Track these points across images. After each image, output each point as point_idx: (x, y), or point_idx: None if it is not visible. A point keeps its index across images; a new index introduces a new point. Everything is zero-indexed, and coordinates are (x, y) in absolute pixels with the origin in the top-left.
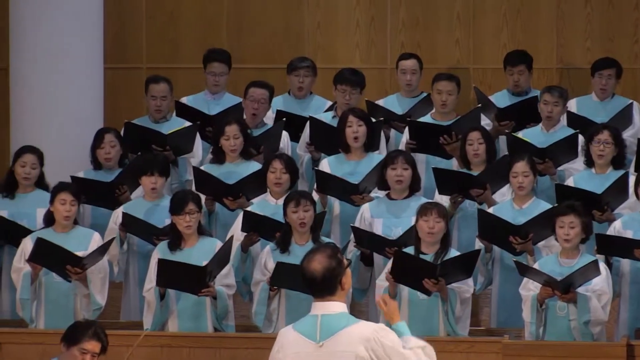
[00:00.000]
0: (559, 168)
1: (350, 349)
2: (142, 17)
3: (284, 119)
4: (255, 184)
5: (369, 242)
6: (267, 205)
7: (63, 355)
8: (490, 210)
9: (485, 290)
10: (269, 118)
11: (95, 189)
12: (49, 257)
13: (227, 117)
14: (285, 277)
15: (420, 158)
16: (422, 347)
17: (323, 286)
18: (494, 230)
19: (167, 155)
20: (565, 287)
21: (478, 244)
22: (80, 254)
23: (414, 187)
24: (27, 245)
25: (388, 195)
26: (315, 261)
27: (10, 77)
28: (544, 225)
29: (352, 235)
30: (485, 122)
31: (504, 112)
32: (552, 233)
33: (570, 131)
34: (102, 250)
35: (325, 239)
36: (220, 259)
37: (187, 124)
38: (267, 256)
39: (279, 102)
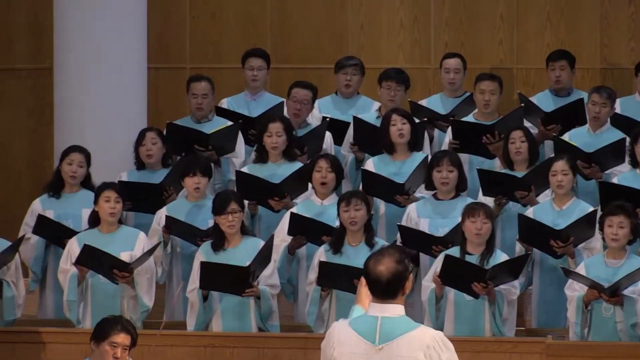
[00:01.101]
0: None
1: (411, 354)
2: (185, 17)
3: (328, 119)
4: (298, 183)
5: (415, 241)
6: (312, 205)
7: (94, 353)
8: (530, 210)
9: (526, 291)
10: (316, 118)
11: (142, 192)
12: (96, 261)
13: (271, 114)
14: (330, 277)
15: (463, 158)
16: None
17: (386, 289)
18: (535, 234)
19: (210, 155)
20: (612, 291)
21: (518, 247)
22: (126, 254)
23: (460, 187)
24: (73, 246)
25: (434, 196)
26: (382, 264)
27: (54, 77)
28: (584, 227)
29: (398, 235)
30: (528, 126)
31: (551, 116)
32: (592, 235)
33: (617, 133)
34: (149, 253)
35: (379, 240)
36: (262, 258)
37: (230, 123)
38: (320, 256)
39: (327, 103)
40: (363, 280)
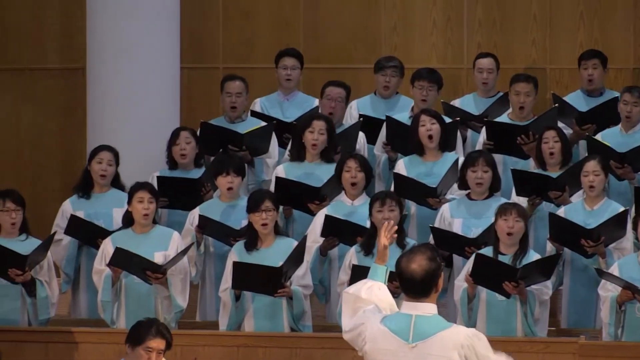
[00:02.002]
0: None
1: (444, 353)
2: (218, 17)
3: (361, 118)
4: (336, 186)
5: (447, 243)
6: (343, 206)
7: (129, 356)
8: (561, 210)
9: (558, 291)
10: (354, 119)
11: (180, 188)
12: (129, 263)
13: (316, 112)
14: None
15: (498, 158)
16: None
17: (421, 288)
18: (566, 233)
19: (244, 155)
20: None
21: (549, 246)
22: (160, 254)
23: (493, 187)
24: (107, 246)
25: (468, 196)
26: (415, 262)
27: (87, 77)
28: (615, 227)
29: (430, 237)
30: (562, 126)
31: (585, 115)
32: (623, 235)
33: None
34: (182, 254)
35: (410, 241)
36: (295, 258)
37: (264, 123)
38: (352, 257)
39: (365, 103)
40: (383, 228)
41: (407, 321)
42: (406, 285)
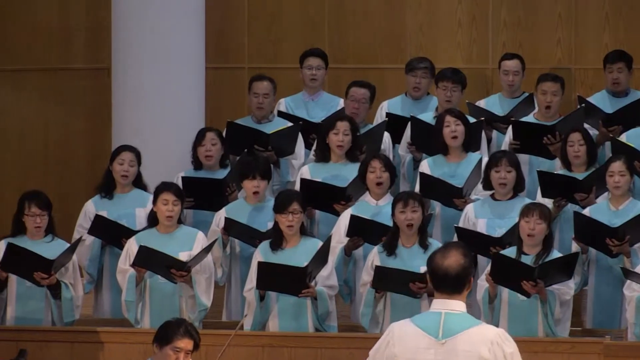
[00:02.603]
0: None
1: (474, 349)
2: (244, 17)
3: (386, 119)
4: (361, 185)
5: (472, 242)
6: (367, 206)
7: (157, 356)
8: (586, 210)
9: (582, 290)
10: (384, 119)
11: (205, 188)
12: (153, 262)
13: (339, 112)
14: (385, 280)
15: (524, 159)
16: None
17: (455, 283)
18: (590, 232)
19: (269, 156)
20: None
21: (574, 246)
22: (185, 254)
23: (518, 188)
24: (131, 246)
25: (492, 196)
26: (450, 257)
27: (112, 78)
28: None
29: (455, 237)
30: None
31: (611, 117)
32: None
33: None
34: (205, 252)
35: (432, 241)
36: (320, 259)
37: (290, 124)
38: (374, 258)
39: (396, 104)
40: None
41: (436, 318)
42: (440, 281)
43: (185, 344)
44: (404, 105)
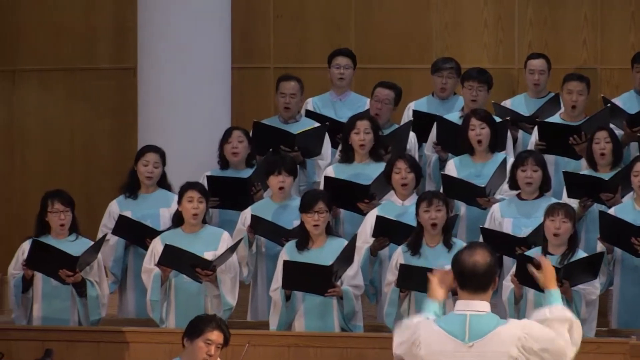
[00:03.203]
0: None
1: (502, 349)
2: (269, 17)
3: (412, 119)
4: (385, 184)
5: (497, 243)
6: (393, 206)
7: (186, 351)
8: (612, 210)
9: (608, 290)
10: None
11: (230, 187)
12: (178, 261)
13: (359, 113)
14: (410, 279)
15: (550, 159)
16: (570, 324)
17: (482, 281)
18: (616, 232)
19: (295, 156)
20: None
21: (599, 246)
22: (210, 254)
23: (544, 187)
24: (156, 246)
25: (518, 196)
26: (478, 255)
27: (138, 77)
28: None
29: (480, 238)
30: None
31: (635, 117)
32: None
33: None
34: (230, 251)
35: (457, 241)
36: (345, 258)
37: (317, 124)
38: (398, 257)
39: (423, 104)
40: (436, 273)
41: (461, 321)
42: (466, 279)
43: (217, 336)
44: (430, 105)
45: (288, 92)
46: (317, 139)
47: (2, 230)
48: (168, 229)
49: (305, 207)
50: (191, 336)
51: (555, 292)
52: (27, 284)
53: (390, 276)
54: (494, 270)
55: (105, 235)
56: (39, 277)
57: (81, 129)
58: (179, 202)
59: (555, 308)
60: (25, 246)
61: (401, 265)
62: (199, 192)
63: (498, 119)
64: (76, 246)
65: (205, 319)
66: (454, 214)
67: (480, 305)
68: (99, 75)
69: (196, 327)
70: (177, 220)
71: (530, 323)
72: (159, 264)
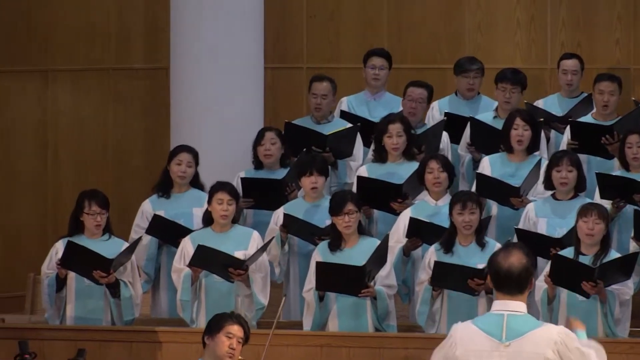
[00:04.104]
0: None
1: (539, 350)
2: (302, 17)
3: (445, 118)
4: (418, 183)
5: (532, 243)
6: (426, 206)
7: (208, 349)
8: None
9: None
10: (436, 120)
11: (264, 188)
12: (211, 261)
13: (390, 115)
14: (444, 277)
15: (582, 158)
16: (597, 350)
17: (518, 283)
18: None
19: (327, 157)
20: None
21: (633, 246)
22: (240, 253)
23: (579, 187)
24: (186, 245)
25: (553, 196)
26: (513, 256)
27: (170, 77)
28: None
29: (513, 238)
30: None
31: None
32: None
33: None
34: (262, 250)
35: (489, 240)
36: (378, 258)
37: (349, 125)
38: (431, 256)
39: (445, 103)
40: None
41: (499, 320)
42: (502, 281)
43: (237, 330)
44: (453, 105)
45: (320, 92)
46: (349, 140)
47: (35, 229)
48: (199, 228)
49: (335, 209)
50: (212, 332)
51: (581, 332)
52: (60, 283)
53: (423, 275)
54: (530, 271)
55: (140, 237)
56: (72, 276)
57: (114, 129)
58: (209, 202)
59: (582, 341)
60: (59, 246)
61: (436, 262)
62: (229, 193)
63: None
64: (109, 246)
65: (224, 315)
66: (487, 216)
67: (517, 306)
68: (131, 75)
69: (216, 323)
70: (207, 220)
71: (567, 331)
72: (191, 264)
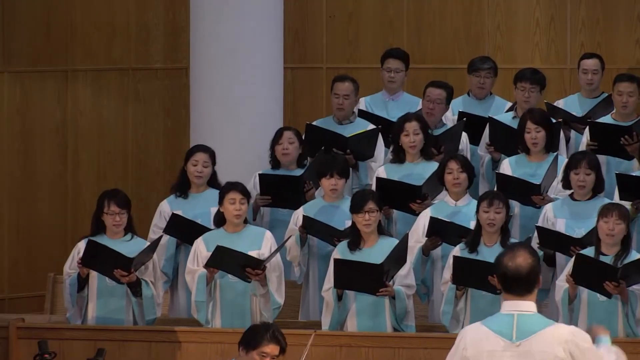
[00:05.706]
0: None
1: (549, 349)
2: (322, 17)
3: (465, 119)
4: (437, 184)
5: (553, 242)
6: (446, 206)
7: (241, 358)
8: None
9: None
10: (450, 120)
11: (282, 185)
12: (229, 261)
13: (407, 113)
14: (464, 273)
15: (601, 159)
16: (615, 352)
17: (526, 283)
18: None
19: (348, 159)
20: None
21: None
22: (253, 253)
23: (597, 189)
24: (199, 247)
25: (571, 196)
26: (520, 257)
27: (190, 77)
28: None
29: (534, 235)
30: None
31: None
32: None
33: None
34: (278, 249)
35: (514, 241)
36: (396, 257)
37: (371, 126)
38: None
39: (458, 103)
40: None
41: (509, 320)
42: (511, 283)
43: (272, 349)
44: (465, 104)
45: (342, 92)
46: (370, 142)
47: (56, 229)
48: (212, 229)
49: (356, 207)
50: (247, 347)
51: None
52: (82, 282)
53: (447, 275)
54: (537, 271)
55: (161, 237)
56: (94, 275)
57: (134, 129)
58: (221, 203)
59: (601, 345)
60: (81, 245)
61: (454, 257)
62: (241, 192)
63: (552, 119)
64: (131, 246)
65: (261, 330)
66: (509, 215)
67: (527, 306)
68: (151, 75)
69: (252, 339)
70: (219, 220)
71: (579, 331)
72: (208, 265)
